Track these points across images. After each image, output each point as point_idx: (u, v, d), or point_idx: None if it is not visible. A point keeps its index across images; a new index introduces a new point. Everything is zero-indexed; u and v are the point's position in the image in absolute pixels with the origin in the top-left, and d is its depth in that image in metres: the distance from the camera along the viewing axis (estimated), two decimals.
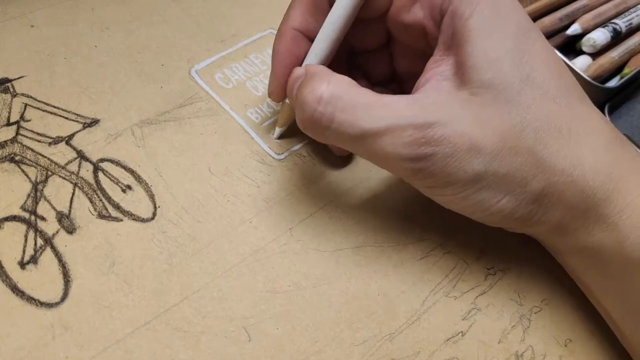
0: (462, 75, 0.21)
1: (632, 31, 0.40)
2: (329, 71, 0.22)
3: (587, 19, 0.39)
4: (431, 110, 0.21)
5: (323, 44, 0.24)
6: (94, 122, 0.26)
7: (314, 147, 0.28)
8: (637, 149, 0.34)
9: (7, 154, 0.24)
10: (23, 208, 0.23)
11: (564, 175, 0.21)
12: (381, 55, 0.27)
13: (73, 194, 0.24)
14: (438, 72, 0.22)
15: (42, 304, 0.21)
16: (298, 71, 0.23)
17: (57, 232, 0.23)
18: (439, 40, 0.23)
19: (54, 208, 0.23)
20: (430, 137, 0.20)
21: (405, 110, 0.21)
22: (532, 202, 0.22)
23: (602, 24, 0.40)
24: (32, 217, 0.23)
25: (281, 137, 0.28)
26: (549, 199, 0.22)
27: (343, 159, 0.28)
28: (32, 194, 0.23)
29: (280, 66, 0.25)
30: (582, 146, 0.22)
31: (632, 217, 0.21)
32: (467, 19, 0.21)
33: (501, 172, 0.21)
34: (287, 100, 0.26)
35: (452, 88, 0.22)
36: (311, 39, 0.24)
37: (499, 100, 0.21)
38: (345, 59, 0.27)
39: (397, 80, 0.28)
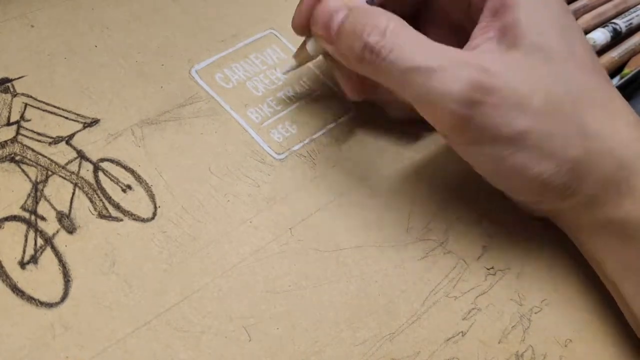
0: (511, 38, 0.22)
1: (632, 31, 0.40)
2: (380, 9, 0.23)
3: (587, 19, 0.39)
4: (485, 60, 0.21)
5: None
6: (94, 122, 0.26)
7: (314, 147, 0.28)
8: None
9: (7, 153, 0.24)
10: (23, 208, 0.23)
11: (601, 142, 0.22)
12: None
13: (73, 193, 0.24)
14: (486, 37, 0.23)
15: (42, 303, 0.21)
16: (334, 3, 0.23)
17: (57, 232, 0.23)
18: (486, 7, 0.23)
19: (54, 208, 0.23)
20: (482, 83, 0.21)
21: (460, 56, 0.21)
22: (570, 169, 0.22)
23: (602, 24, 0.39)
24: (32, 217, 0.23)
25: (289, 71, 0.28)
26: (587, 167, 0.22)
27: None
28: (32, 194, 0.23)
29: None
30: (617, 119, 0.22)
31: None
32: None
33: (544, 132, 0.21)
34: (308, 44, 0.26)
35: (502, 49, 0.22)
36: None
37: (547, 64, 0.22)
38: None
39: None
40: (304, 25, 0.25)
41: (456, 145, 0.23)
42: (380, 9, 0.23)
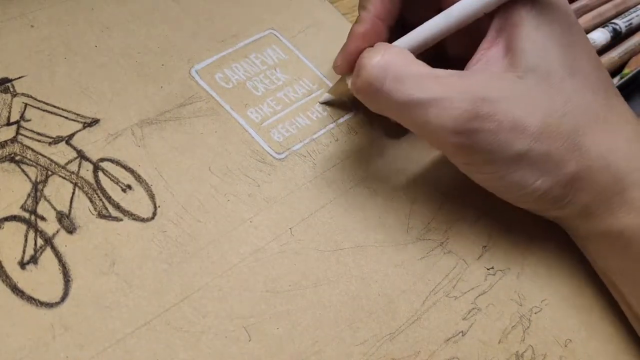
0: (511, 58, 0.22)
1: (632, 31, 0.40)
2: (388, 44, 0.23)
3: (587, 19, 0.39)
4: (480, 87, 0.22)
5: (415, 40, 0.24)
6: (94, 121, 0.26)
7: (314, 147, 0.28)
8: None
9: (7, 153, 0.24)
10: (23, 208, 0.23)
11: (598, 160, 0.22)
12: None
13: (73, 193, 0.24)
14: (488, 54, 0.23)
15: (42, 304, 0.21)
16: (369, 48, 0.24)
17: (57, 232, 0.23)
18: (492, 25, 0.24)
19: (54, 208, 0.23)
20: (477, 112, 0.21)
21: (455, 85, 0.21)
22: (566, 184, 0.22)
23: (602, 24, 0.40)
24: (32, 217, 0.23)
25: (326, 103, 0.29)
26: (582, 182, 0.22)
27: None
28: (32, 194, 0.23)
29: (353, 45, 0.25)
30: (617, 135, 0.23)
31: None
32: (521, 8, 0.22)
33: (541, 153, 0.22)
34: (347, 78, 0.27)
35: (501, 70, 0.23)
36: (387, 23, 0.25)
37: (544, 85, 0.22)
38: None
39: (447, 61, 0.28)
40: (348, 68, 0.26)
41: (458, 165, 0.24)
42: (385, 44, 0.23)
